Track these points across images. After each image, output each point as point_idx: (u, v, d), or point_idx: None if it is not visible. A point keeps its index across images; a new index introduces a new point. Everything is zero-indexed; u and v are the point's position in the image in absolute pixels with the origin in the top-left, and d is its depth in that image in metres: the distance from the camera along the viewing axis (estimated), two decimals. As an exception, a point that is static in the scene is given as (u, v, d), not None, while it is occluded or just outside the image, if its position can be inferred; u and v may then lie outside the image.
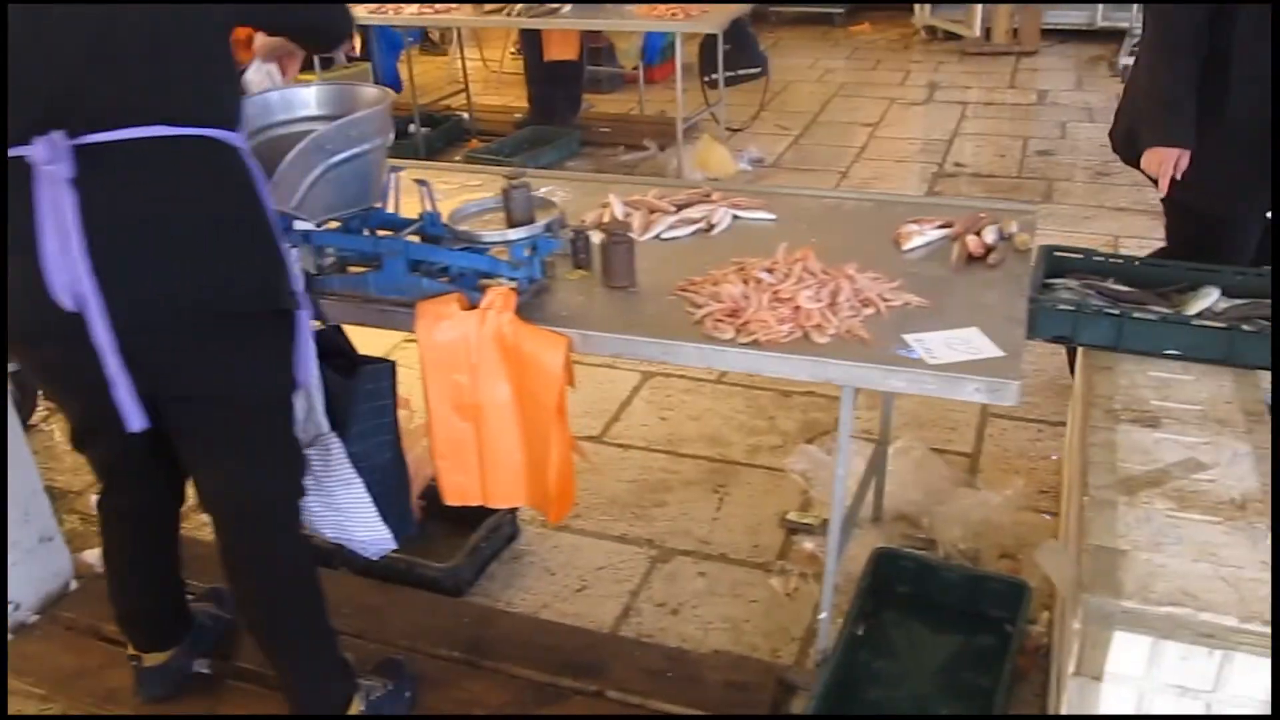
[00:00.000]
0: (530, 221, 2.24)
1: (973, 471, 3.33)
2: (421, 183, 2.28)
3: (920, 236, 2.44)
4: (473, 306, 2.18)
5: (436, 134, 6.80)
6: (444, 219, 2.32)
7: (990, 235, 2.38)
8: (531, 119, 6.89)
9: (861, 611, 2.67)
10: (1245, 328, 2.55)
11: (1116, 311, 2.65)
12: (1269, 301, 2.75)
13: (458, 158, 6.43)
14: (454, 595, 2.92)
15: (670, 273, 2.38)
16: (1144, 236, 5.04)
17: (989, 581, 2.69)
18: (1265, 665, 1.84)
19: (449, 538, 3.01)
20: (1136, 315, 2.63)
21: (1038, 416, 3.61)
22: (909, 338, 2.01)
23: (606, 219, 2.66)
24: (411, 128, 6.59)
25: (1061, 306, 2.68)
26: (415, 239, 2.32)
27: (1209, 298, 2.78)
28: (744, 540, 3.08)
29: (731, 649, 2.71)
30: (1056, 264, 2.97)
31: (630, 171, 6.19)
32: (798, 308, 2.07)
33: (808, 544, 3.00)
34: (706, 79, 6.39)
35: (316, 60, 6.33)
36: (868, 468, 2.87)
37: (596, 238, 2.37)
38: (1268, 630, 1.81)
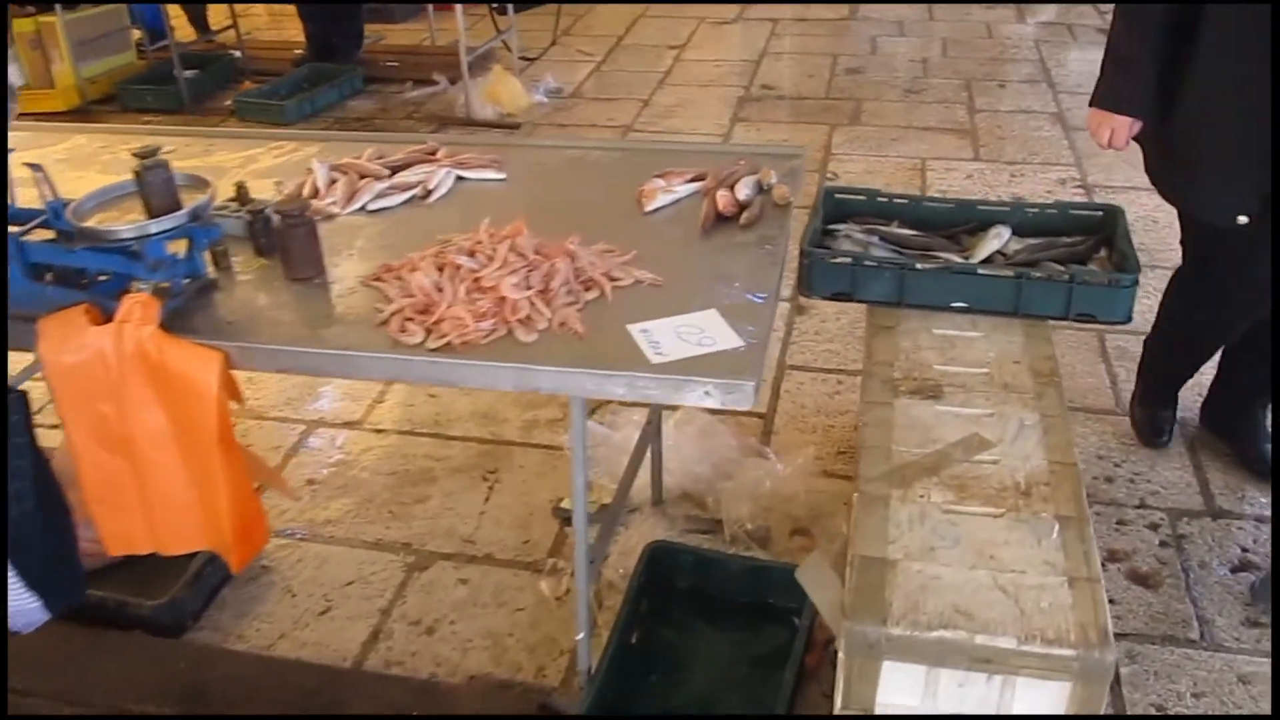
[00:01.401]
0: (174, 209, 1.80)
1: (766, 435, 3.05)
2: (34, 167, 1.81)
3: (666, 194, 2.09)
4: (108, 319, 1.74)
5: (204, 77, 6.14)
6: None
7: (745, 190, 2.04)
8: (310, 56, 6.28)
9: (634, 616, 2.37)
10: (1034, 274, 2.29)
11: (897, 263, 2.36)
12: (1069, 239, 2.51)
13: (228, 102, 5.80)
14: (175, 633, 2.50)
15: (373, 255, 1.98)
16: (952, 158, 4.83)
17: (773, 571, 2.41)
18: (1050, 688, 1.58)
19: (171, 564, 2.56)
20: (919, 266, 2.35)
21: (837, 366, 3.35)
22: (634, 329, 1.67)
23: (308, 190, 2.23)
24: (177, 72, 5.92)
25: (838, 259, 2.38)
26: (44, 235, 1.86)
27: (999, 238, 2.52)
28: (513, 536, 2.74)
29: (493, 671, 2.37)
30: (838, 207, 2.67)
31: (417, 109, 5.69)
32: (502, 298, 1.70)
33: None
34: (494, 4, 5.90)
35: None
36: (639, 444, 2.54)
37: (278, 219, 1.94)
38: (1050, 651, 1.55)
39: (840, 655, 1.65)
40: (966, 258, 2.48)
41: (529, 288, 1.74)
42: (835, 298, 2.44)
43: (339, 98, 5.88)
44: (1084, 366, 3.30)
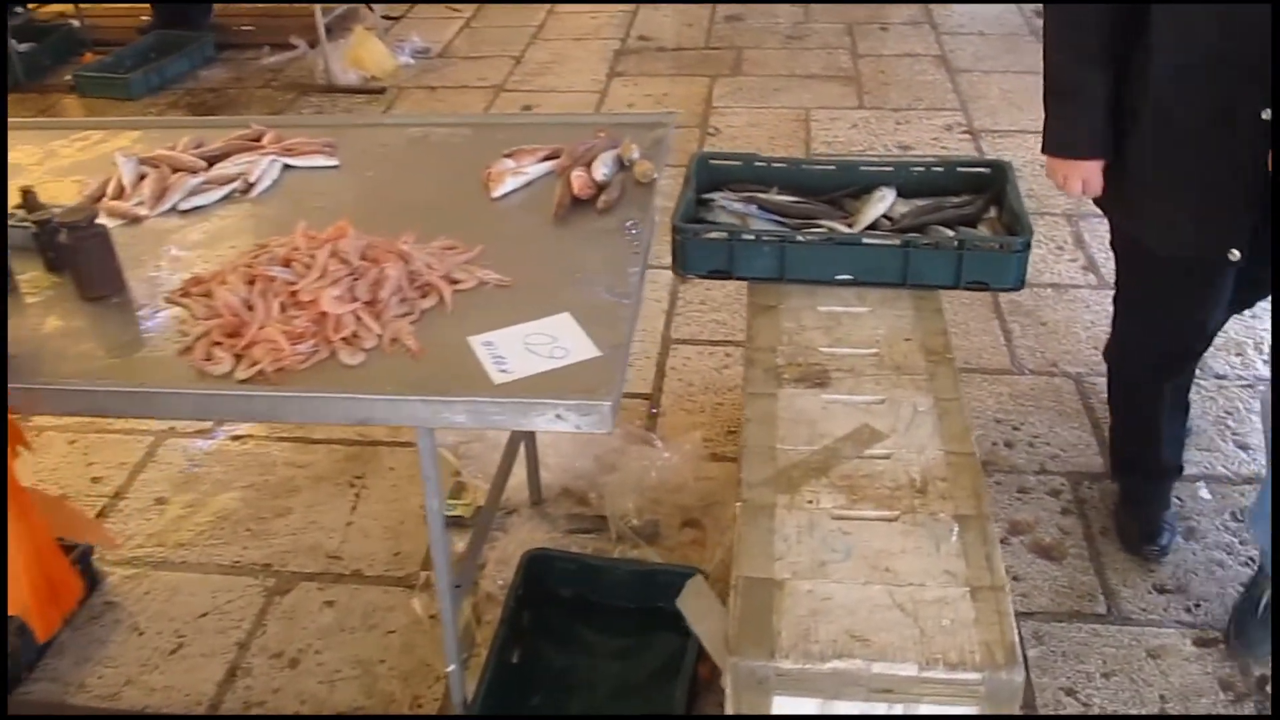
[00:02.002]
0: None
1: (651, 418, 2.87)
2: None
3: (515, 177, 1.88)
4: None
5: (41, 50, 5.67)
6: None
7: (603, 168, 1.84)
8: (156, 23, 5.85)
9: (514, 632, 2.18)
10: (922, 242, 2.14)
11: (777, 236, 2.18)
12: (957, 200, 2.36)
13: (68, 77, 5.37)
14: (8, 688, 2.24)
15: (185, 265, 1.74)
16: (837, 106, 4.67)
17: (660, 575, 2.25)
18: (956, 713, 1.44)
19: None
20: (800, 238, 2.17)
21: (725, 338, 3.19)
22: (477, 341, 1.46)
23: (112, 188, 1.96)
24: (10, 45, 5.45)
25: (712, 235, 2.20)
26: None
27: (884, 202, 2.36)
28: (383, 549, 2.52)
29: (363, 703, 2.17)
30: (713, 175, 2.48)
31: (275, 77, 5.33)
32: (323, 314, 1.47)
33: (459, 543, 2.46)
34: (351, -40, 5.55)
35: None
36: (510, 441, 2.34)
37: (68, 226, 1.67)
38: (954, 676, 1.41)
39: (727, 690, 1.48)
40: (850, 225, 2.31)
41: (354, 299, 1.52)
42: (712, 276, 2.26)
43: (189, 67, 5.49)
44: (978, 324, 3.19)
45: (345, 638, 2.32)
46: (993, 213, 2.36)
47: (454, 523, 2.55)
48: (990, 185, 2.41)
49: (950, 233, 2.24)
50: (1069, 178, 2.15)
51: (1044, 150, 2.18)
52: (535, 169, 1.92)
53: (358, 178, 1.98)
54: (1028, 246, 2.12)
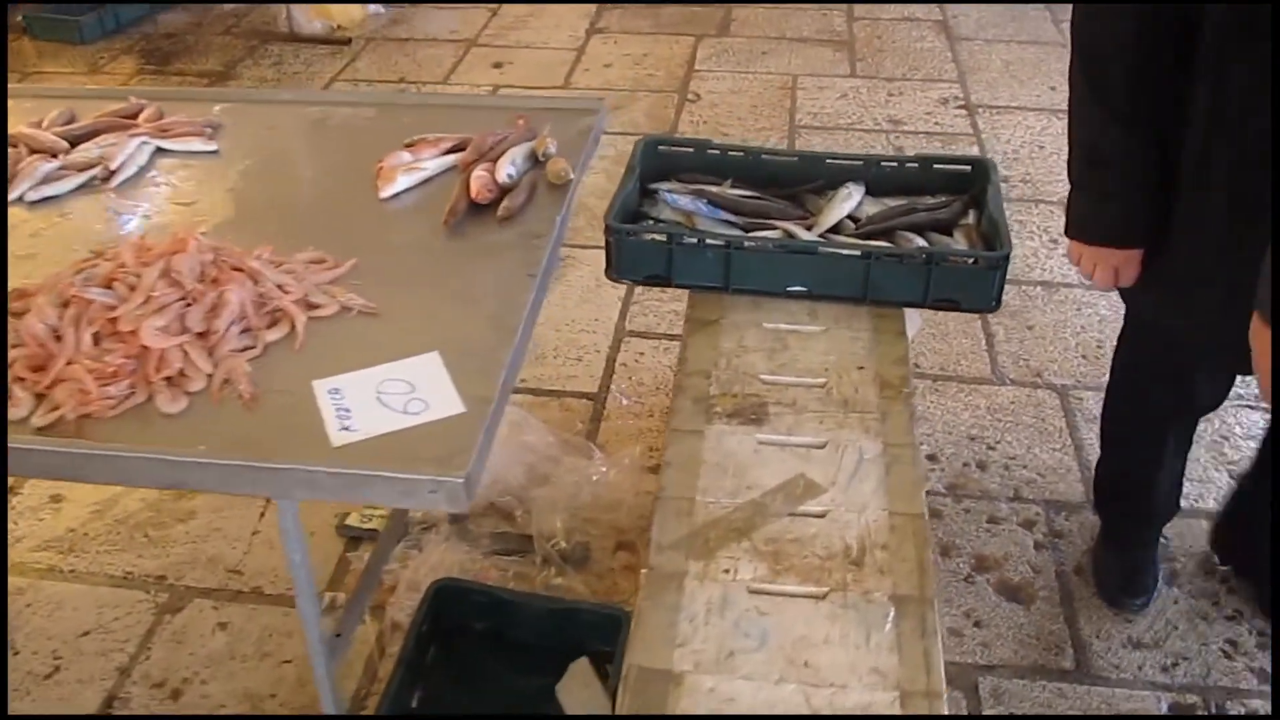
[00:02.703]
0: None
1: (595, 422, 2.63)
2: None
3: (410, 174, 1.62)
4: None
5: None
6: None
7: (509, 167, 1.59)
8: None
9: (416, 671, 1.96)
10: (886, 252, 1.89)
11: (721, 241, 1.93)
12: (931, 201, 2.11)
13: (19, 18, 5.07)
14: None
15: (18, 271, 1.49)
16: (826, 74, 4.38)
17: (580, 613, 2.02)
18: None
19: None
20: (748, 245, 1.92)
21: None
22: (322, 388, 1.21)
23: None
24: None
25: (650, 236, 1.94)
26: None
27: (850, 200, 2.11)
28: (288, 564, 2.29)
29: (249, 745, 1.95)
30: (663, 163, 2.22)
31: (237, 24, 5.03)
32: (143, 348, 1.23)
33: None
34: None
35: None
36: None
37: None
38: (873, 808, 1.18)
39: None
40: (810, 226, 2.06)
41: (183, 331, 1.27)
42: (648, 282, 2.01)
43: (147, 10, 5.19)
44: (957, 325, 2.94)
45: (235, 667, 2.10)
46: (970, 218, 2.11)
47: (366, 536, 2.33)
48: (970, 185, 2.15)
49: (920, 241, 1.99)
50: (1098, 266, 1.76)
51: (1067, 232, 1.81)
52: (435, 164, 1.66)
53: (235, 167, 1.73)
54: (1006, 261, 1.87)
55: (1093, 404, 2.66)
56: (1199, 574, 2.24)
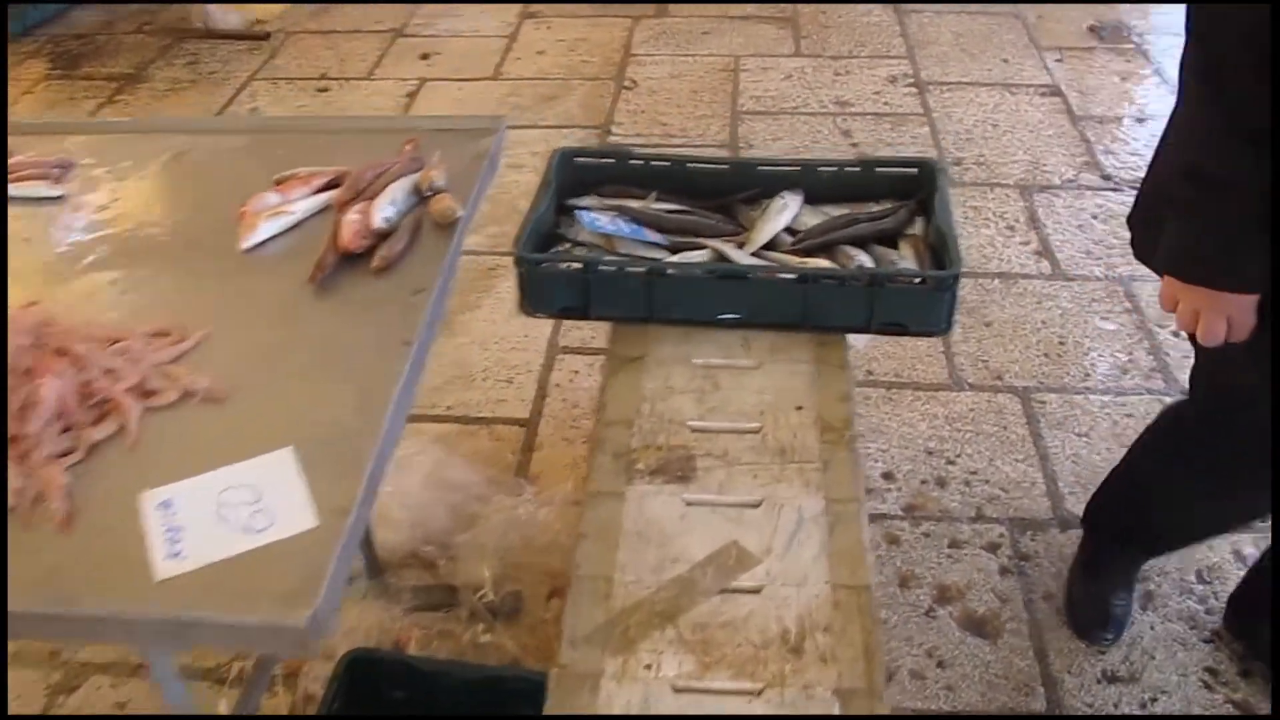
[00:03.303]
0: None
1: (527, 451, 2.44)
2: None
3: (273, 220, 1.42)
4: None
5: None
6: None
7: (386, 209, 1.38)
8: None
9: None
10: (825, 274, 1.70)
11: (642, 267, 1.74)
12: (874, 210, 1.93)
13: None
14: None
15: None
16: (770, 54, 4.18)
17: (506, 681, 1.84)
18: None
19: None
20: (671, 271, 1.73)
21: (622, 346, 2.73)
22: (153, 499, 1.02)
23: None
24: None
25: (566, 266, 1.75)
26: None
27: (786, 212, 1.93)
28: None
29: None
30: (582, 176, 2.02)
31: (151, 20, 4.76)
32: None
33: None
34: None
35: None
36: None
37: None
38: None
39: None
40: (743, 243, 1.87)
41: (-17, 434, 1.06)
42: (566, 315, 1.82)
43: (59, 8, 4.90)
44: (912, 327, 2.75)
45: (132, 753, 1.91)
46: (918, 226, 1.93)
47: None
48: (916, 189, 1.97)
49: (862, 257, 1.81)
50: (1202, 314, 1.40)
51: (1168, 269, 1.43)
52: (305, 205, 1.46)
53: (79, 216, 1.51)
54: (956, 282, 1.69)
55: (1055, 407, 2.50)
56: (1175, 593, 2.09)
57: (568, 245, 1.90)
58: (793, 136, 3.60)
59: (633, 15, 4.54)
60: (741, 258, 1.82)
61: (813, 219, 1.95)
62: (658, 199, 2.00)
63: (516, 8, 4.64)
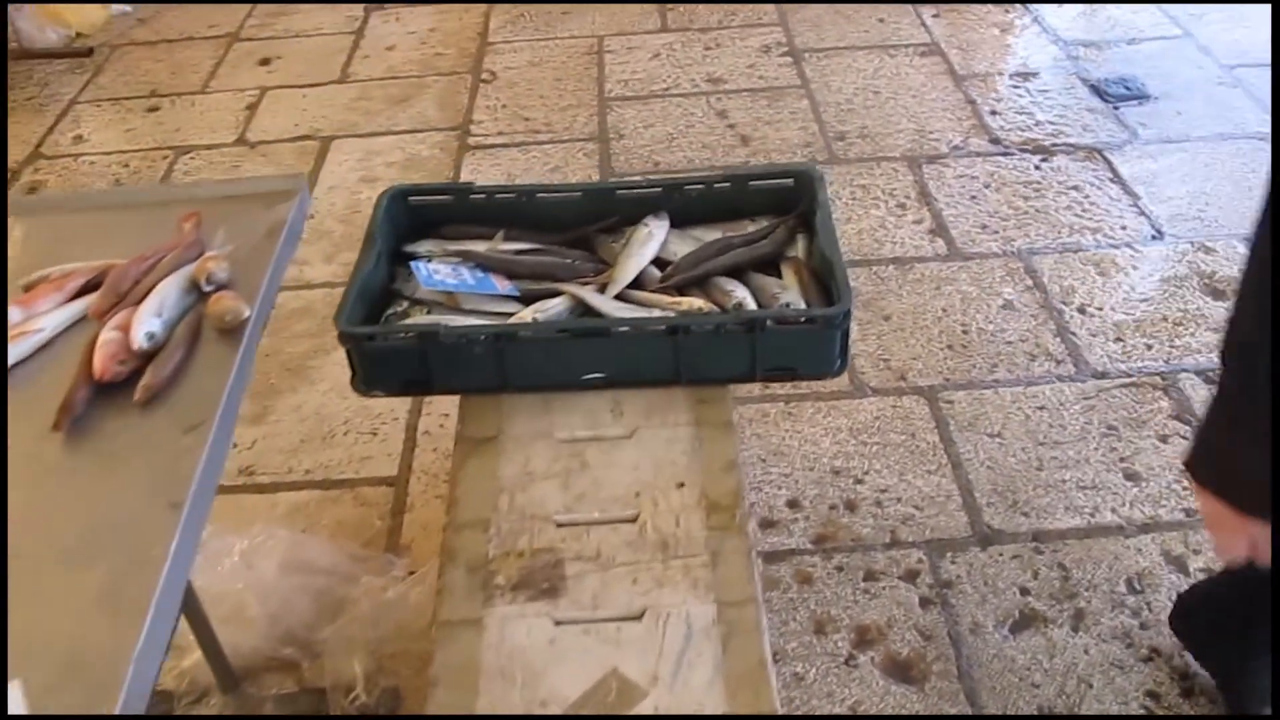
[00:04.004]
0: None
1: (397, 516, 2.20)
2: None
3: (20, 342, 1.15)
4: None
5: None
6: None
7: (149, 322, 1.12)
8: None
9: None
10: (698, 322, 1.48)
11: (487, 331, 1.50)
12: (752, 230, 1.72)
13: None
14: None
15: None
16: (635, 31, 3.92)
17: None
18: None
19: None
20: (523, 334, 1.49)
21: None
22: None
23: None
24: None
25: (398, 338, 1.50)
26: None
27: (651, 241, 1.73)
28: None
29: None
30: (420, 218, 1.78)
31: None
32: None
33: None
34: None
35: None
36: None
37: None
38: None
39: None
40: (605, 286, 1.64)
41: None
42: (409, 391, 1.58)
43: None
44: (807, 329, 2.55)
45: None
46: (800, 246, 1.72)
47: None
48: (794, 202, 1.76)
49: (741, 292, 1.60)
50: (1238, 536, 1.10)
51: (1197, 475, 1.13)
52: (56, 319, 1.19)
53: None
54: (847, 318, 1.48)
55: (964, 406, 2.33)
56: (1107, 608, 1.94)
57: (404, 305, 1.66)
58: (665, 121, 3.37)
59: (487, 0, 4.24)
60: (604, 304, 1.60)
61: (682, 246, 1.73)
62: (506, 237, 1.76)
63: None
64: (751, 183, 1.78)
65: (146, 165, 3.36)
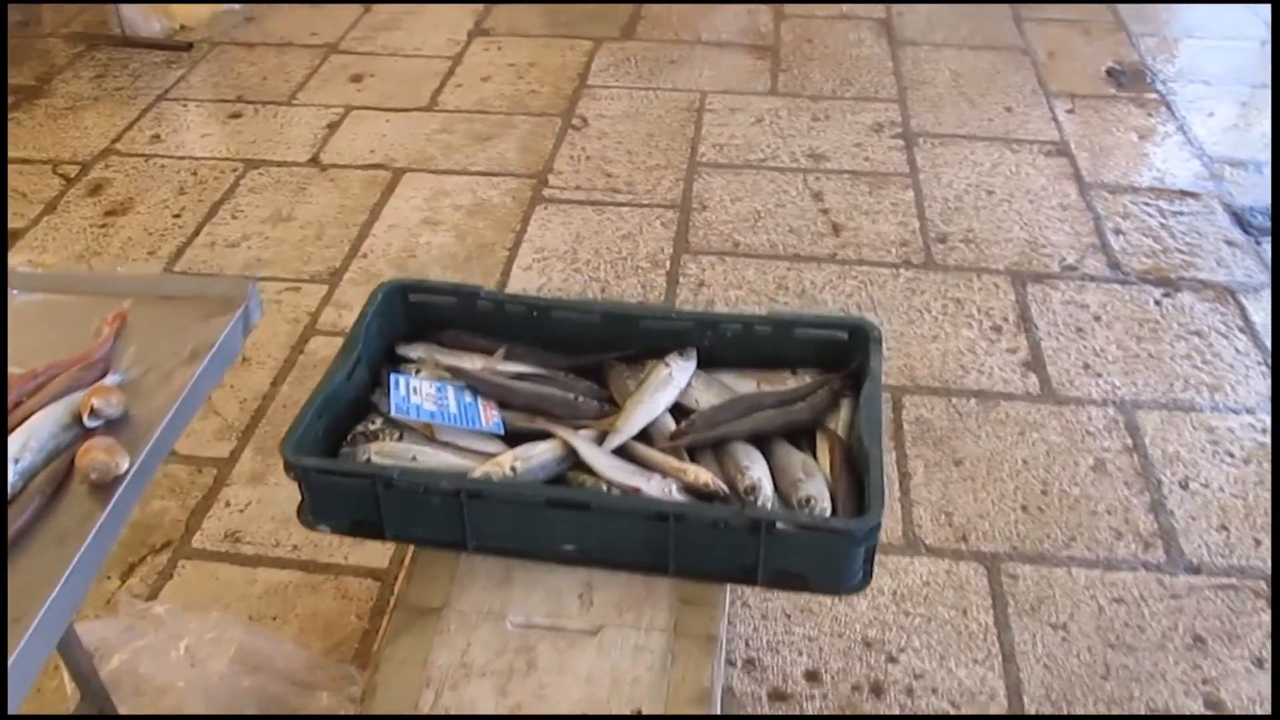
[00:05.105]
0: None
1: (377, 617, 1.99)
2: None
3: None
4: None
5: None
6: None
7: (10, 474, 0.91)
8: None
9: None
10: (695, 509, 1.24)
11: (448, 482, 1.28)
12: (791, 388, 1.47)
13: None
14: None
15: None
16: (741, 90, 3.69)
17: None
18: None
19: None
20: (489, 491, 1.27)
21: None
22: None
23: None
24: None
25: (348, 471, 1.29)
26: None
27: (670, 385, 1.50)
28: None
29: None
30: (421, 316, 1.57)
31: (71, 20, 4.29)
32: None
33: None
34: None
35: None
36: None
37: None
38: None
39: None
40: (606, 432, 1.41)
41: None
42: (358, 532, 1.36)
43: (-33, 4, 4.41)
44: (865, 463, 2.28)
45: None
46: (843, 412, 1.46)
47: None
48: (845, 358, 1.50)
49: (758, 471, 1.35)
50: None
51: None
52: (-95, 442, 0.99)
53: None
54: (874, 533, 1.22)
55: (1029, 584, 2.04)
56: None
57: (378, 423, 1.45)
58: (755, 196, 3.12)
59: (595, 37, 4.05)
60: (597, 459, 1.36)
61: (707, 394, 1.49)
62: (510, 354, 1.54)
63: (469, 22, 4.16)
64: (799, 329, 1.52)
65: (214, 176, 3.24)
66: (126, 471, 0.98)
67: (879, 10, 4.24)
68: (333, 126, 3.50)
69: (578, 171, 3.25)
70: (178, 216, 3.06)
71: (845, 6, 4.28)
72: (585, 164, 3.29)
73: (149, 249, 2.92)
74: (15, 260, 2.89)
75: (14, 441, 0.98)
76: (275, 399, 2.45)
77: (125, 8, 4.06)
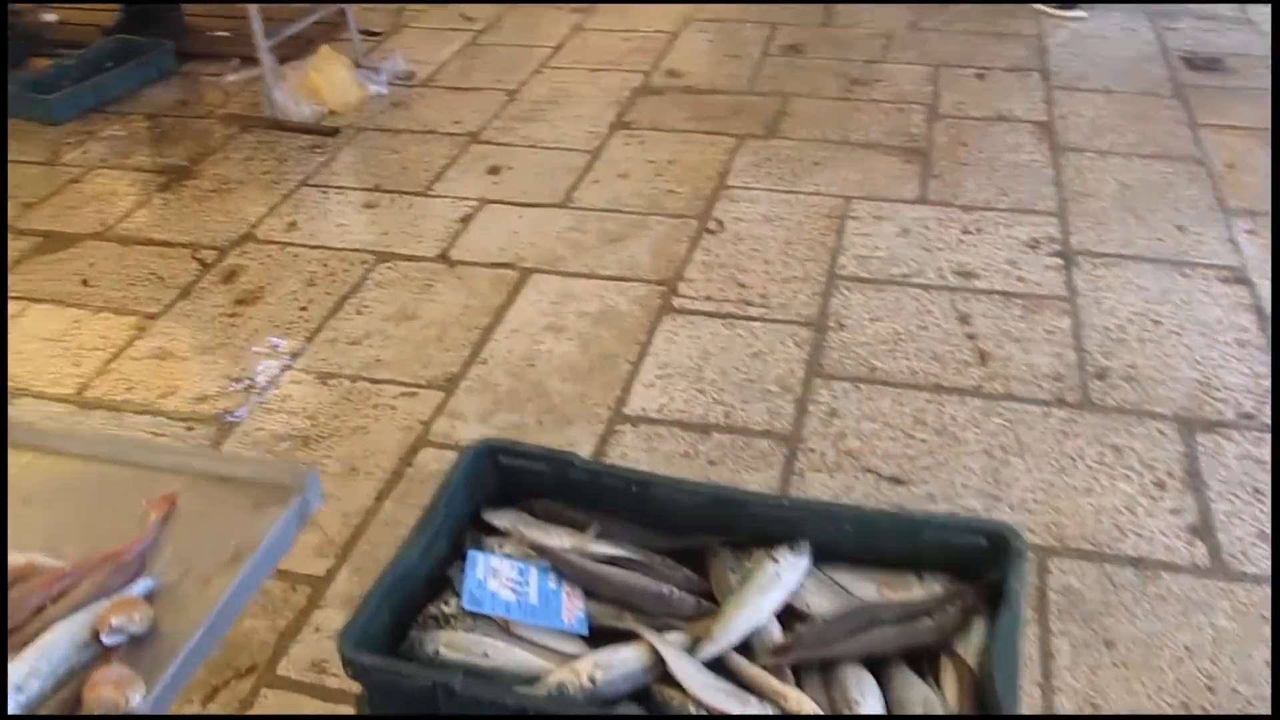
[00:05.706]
0: None
1: None
2: None
3: None
4: None
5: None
6: None
7: (14, 692, 0.81)
8: (121, 25, 5.01)
9: None
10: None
11: (511, 698, 1.14)
12: (917, 599, 1.29)
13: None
14: None
15: None
16: (889, 198, 3.51)
17: None
18: None
19: None
20: (554, 709, 1.12)
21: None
22: None
23: None
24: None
25: (409, 673, 1.16)
26: None
27: (776, 588, 1.37)
28: None
29: None
30: (513, 481, 1.44)
31: (227, 101, 4.42)
32: None
33: None
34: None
35: None
36: None
37: None
38: None
39: None
40: (699, 639, 1.25)
41: None
42: (417, 737, 1.22)
43: (137, 84, 4.61)
44: (1003, 638, 2.04)
45: None
46: (974, 635, 1.26)
47: None
48: (983, 567, 1.30)
49: (871, 701, 1.16)
50: None
51: None
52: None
53: None
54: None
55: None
56: None
57: (452, 605, 1.32)
58: (896, 316, 2.93)
59: (738, 133, 3.94)
60: (687, 672, 1.21)
61: (819, 597, 1.32)
62: (604, 532, 1.40)
63: (611, 113, 4.11)
64: (931, 529, 1.33)
65: (344, 268, 3.22)
66: (132, 710, 0.86)
67: (1040, 113, 4.01)
68: (465, 220, 3.46)
69: (710, 280, 3.11)
70: (304, 309, 3.04)
71: (1004, 105, 4.06)
72: (719, 271, 3.15)
73: (271, 343, 2.90)
74: (142, 347, 2.90)
75: (22, 666, 0.88)
76: (378, 515, 2.37)
77: (277, 91, 4.14)
